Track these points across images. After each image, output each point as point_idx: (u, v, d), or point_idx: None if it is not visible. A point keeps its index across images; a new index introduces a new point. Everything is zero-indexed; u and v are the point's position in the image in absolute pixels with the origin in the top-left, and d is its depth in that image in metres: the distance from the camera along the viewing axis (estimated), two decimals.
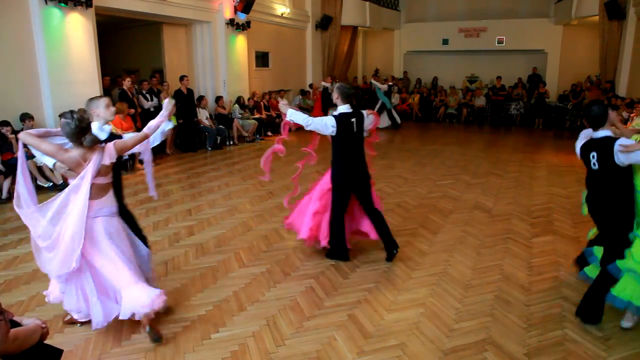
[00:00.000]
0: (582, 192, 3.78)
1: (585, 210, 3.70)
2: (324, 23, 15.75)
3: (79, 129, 2.93)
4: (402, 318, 3.55)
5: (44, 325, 2.23)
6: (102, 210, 3.12)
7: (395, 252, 4.58)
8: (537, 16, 17.06)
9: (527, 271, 4.36)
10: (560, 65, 16.90)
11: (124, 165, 8.48)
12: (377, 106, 14.33)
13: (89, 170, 2.99)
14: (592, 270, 3.77)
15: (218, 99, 11.51)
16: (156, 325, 3.31)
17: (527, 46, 17.23)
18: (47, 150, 2.96)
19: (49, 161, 3.20)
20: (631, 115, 9.53)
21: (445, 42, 18.37)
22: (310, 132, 4.41)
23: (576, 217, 5.98)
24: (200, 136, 10.98)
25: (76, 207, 2.99)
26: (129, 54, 13.11)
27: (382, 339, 3.28)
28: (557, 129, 14.66)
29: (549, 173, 8.53)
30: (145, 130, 3.37)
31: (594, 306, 3.40)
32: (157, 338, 3.22)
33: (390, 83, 15.27)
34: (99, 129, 3.43)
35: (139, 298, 3.09)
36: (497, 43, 17.59)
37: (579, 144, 3.61)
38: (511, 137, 13.54)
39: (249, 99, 12.32)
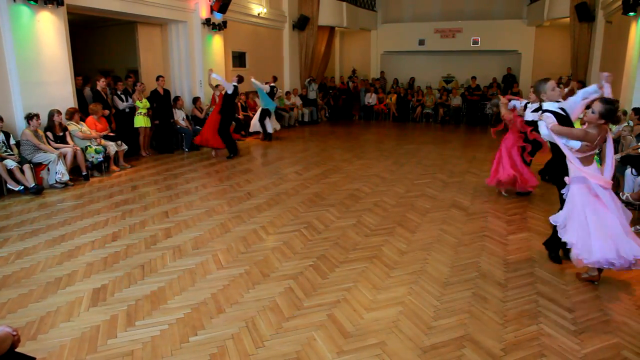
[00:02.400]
0: None
1: None
2: (301, 23, 15.75)
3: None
4: (381, 317, 3.56)
5: (14, 333, 2.16)
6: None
7: None
8: (510, 17, 17.41)
9: (503, 268, 4.44)
10: (533, 65, 17.27)
11: (98, 167, 8.33)
12: (258, 112, 12.10)
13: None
14: None
15: (196, 100, 11.40)
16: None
17: (502, 47, 17.55)
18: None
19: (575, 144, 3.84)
20: None
21: (421, 42, 18.58)
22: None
23: (550, 214, 6.09)
24: (177, 137, 10.84)
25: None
26: (102, 54, 12.88)
27: (361, 338, 3.29)
28: None
29: None
30: None
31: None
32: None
33: (273, 84, 12.66)
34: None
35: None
36: (472, 44, 17.88)
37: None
38: (487, 136, 13.71)
39: None
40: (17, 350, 2.22)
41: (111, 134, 8.83)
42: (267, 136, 12.19)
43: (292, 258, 4.70)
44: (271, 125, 12.13)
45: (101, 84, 9.20)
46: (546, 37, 16.87)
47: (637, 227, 5.43)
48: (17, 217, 6.00)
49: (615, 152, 7.68)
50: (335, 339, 3.27)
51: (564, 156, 4.06)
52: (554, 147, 4.23)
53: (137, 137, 9.88)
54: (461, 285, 4.07)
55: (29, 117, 7.32)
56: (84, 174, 7.90)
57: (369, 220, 5.88)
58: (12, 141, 7.25)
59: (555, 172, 4.49)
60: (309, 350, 3.15)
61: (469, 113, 16.43)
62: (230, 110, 9.98)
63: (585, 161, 3.96)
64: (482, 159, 9.78)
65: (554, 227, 4.34)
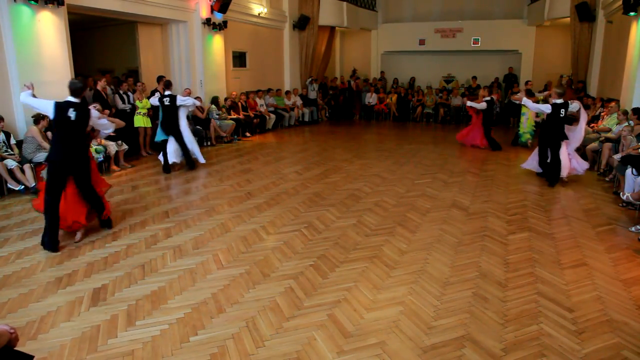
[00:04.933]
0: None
1: None
2: (302, 23, 15.74)
3: None
4: (381, 317, 3.57)
5: (12, 331, 2.16)
6: None
7: None
8: (511, 17, 17.39)
9: (503, 268, 4.44)
10: (534, 65, 17.26)
11: (99, 166, 8.32)
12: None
13: None
14: None
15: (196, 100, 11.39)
16: None
17: (502, 46, 17.53)
18: None
19: None
20: (602, 114, 9.78)
21: (421, 42, 18.56)
22: None
23: (550, 214, 6.11)
24: None
25: None
26: (102, 54, 12.88)
27: (361, 338, 3.29)
28: None
29: (524, 171, 8.68)
30: None
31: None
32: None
33: (194, 97, 9.83)
34: None
35: None
36: (473, 44, 17.86)
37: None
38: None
39: (225, 99, 12.23)
40: (16, 348, 2.22)
41: (112, 134, 8.80)
42: (190, 164, 8.74)
43: (292, 258, 4.70)
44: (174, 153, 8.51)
45: (101, 83, 9.19)
46: (546, 37, 16.85)
47: (638, 227, 5.43)
48: (18, 217, 6.01)
49: (616, 152, 7.70)
50: (335, 339, 3.27)
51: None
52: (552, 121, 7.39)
53: (137, 137, 9.88)
54: (461, 285, 4.07)
55: (39, 118, 7.31)
56: None
57: (369, 220, 5.88)
58: (12, 141, 7.26)
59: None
60: (309, 350, 3.16)
61: (469, 113, 16.40)
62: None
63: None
64: (482, 159, 9.78)
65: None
